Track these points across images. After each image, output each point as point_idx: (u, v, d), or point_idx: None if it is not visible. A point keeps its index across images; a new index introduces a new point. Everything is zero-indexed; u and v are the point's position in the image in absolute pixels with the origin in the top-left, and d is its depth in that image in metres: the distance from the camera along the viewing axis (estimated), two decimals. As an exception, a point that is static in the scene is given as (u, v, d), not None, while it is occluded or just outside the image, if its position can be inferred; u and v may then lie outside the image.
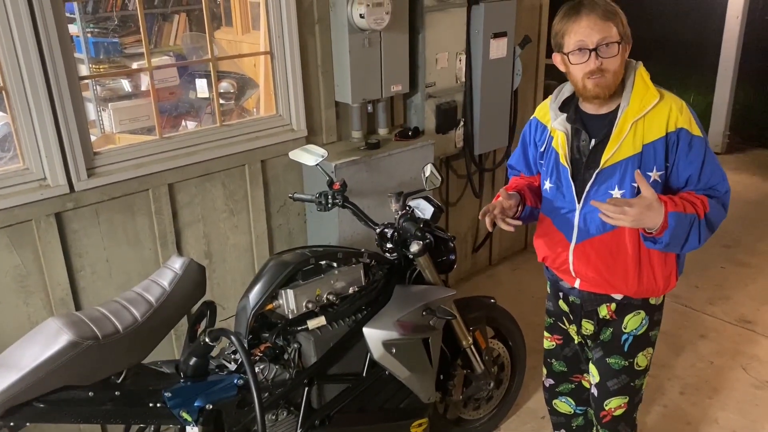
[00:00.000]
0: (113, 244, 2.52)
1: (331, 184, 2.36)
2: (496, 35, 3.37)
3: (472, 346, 2.52)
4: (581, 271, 1.92)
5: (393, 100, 3.29)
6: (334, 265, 2.13)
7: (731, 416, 2.86)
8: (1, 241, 2.25)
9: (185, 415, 1.80)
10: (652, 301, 1.95)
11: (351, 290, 2.15)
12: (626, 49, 1.76)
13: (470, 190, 3.81)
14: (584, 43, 1.70)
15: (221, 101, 4.05)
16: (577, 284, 1.96)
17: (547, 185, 1.94)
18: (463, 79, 3.40)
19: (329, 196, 2.33)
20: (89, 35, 4.35)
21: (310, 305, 2.05)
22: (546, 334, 2.22)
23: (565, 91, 1.93)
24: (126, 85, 4.32)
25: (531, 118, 2.07)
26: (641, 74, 1.79)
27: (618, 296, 1.93)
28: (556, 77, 5.59)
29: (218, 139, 2.72)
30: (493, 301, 2.67)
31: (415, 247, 2.19)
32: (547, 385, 2.28)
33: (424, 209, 2.34)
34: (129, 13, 4.54)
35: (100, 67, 4.29)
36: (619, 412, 2.04)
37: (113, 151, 2.48)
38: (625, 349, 1.98)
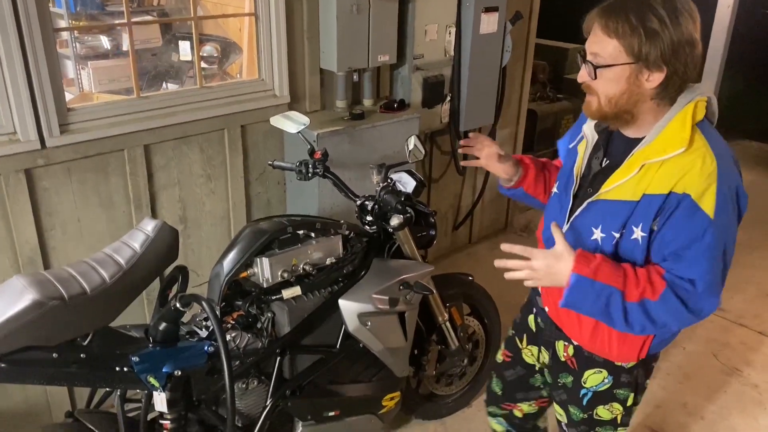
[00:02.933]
0: (85, 204, 2.45)
1: (312, 152, 2.31)
2: (488, 9, 3.30)
3: (447, 323, 2.51)
4: (547, 296, 1.71)
5: (379, 71, 3.23)
6: (312, 235, 2.09)
7: (700, 401, 2.89)
8: (-33, 196, 2.18)
9: (153, 381, 1.76)
10: (618, 363, 1.64)
11: (328, 261, 2.11)
12: (644, 75, 1.37)
13: (454, 167, 3.77)
14: (586, 49, 1.43)
15: (204, 65, 3.95)
16: (547, 307, 1.74)
17: (554, 189, 1.70)
18: (452, 53, 3.34)
19: (310, 165, 2.28)
20: (69, -9, 4.21)
21: (285, 275, 2.01)
22: (502, 345, 2.03)
23: None
24: (106, 43, 4.20)
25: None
26: (687, 112, 1.40)
27: (575, 342, 1.68)
28: (545, 57, 5.52)
29: (198, 101, 2.64)
30: (471, 278, 2.66)
31: (395, 221, 2.16)
32: (485, 399, 2.09)
33: (406, 183, 2.30)
34: (112, -32, 4.39)
35: (80, 22, 4.16)
36: None
37: (88, 108, 2.40)
38: (584, 403, 1.72)
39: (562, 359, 1.72)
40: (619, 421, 1.72)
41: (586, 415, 1.72)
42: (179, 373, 1.80)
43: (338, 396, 2.17)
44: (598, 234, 1.49)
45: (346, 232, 2.17)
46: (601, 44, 1.38)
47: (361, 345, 2.15)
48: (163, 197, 2.65)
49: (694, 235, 1.36)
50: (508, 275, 1.44)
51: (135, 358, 1.74)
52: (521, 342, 1.89)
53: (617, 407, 1.70)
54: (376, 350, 2.18)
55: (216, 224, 2.86)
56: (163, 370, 1.78)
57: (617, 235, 1.46)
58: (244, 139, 2.81)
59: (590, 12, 1.43)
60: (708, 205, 1.35)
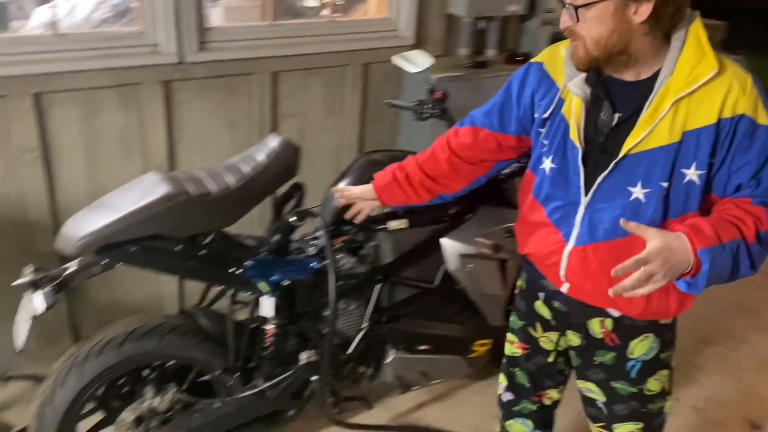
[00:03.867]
0: (213, 122, 2.59)
1: (432, 91, 2.31)
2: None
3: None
4: (575, 278, 1.49)
5: (507, 21, 3.16)
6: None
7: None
8: (111, 101, 2.35)
9: (263, 286, 1.86)
10: (663, 321, 1.54)
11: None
12: (632, 10, 1.25)
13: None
14: None
15: (326, 12, 4.00)
16: (564, 289, 1.53)
17: (547, 165, 1.48)
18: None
19: (428, 105, 2.28)
20: None
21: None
22: (510, 337, 1.79)
23: None
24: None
25: (531, 62, 1.57)
26: (696, 32, 1.30)
27: (615, 313, 1.52)
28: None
29: (326, 34, 2.70)
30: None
31: (506, 169, 2.13)
32: (505, 400, 1.84)
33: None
34: None
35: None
36: None
37: (226, 29, 2.51)
38: (633, 375, 1.57)
39: (599, 337, 1.56)
40: (666, 389, 1.63)
41: (636, 389, 1.58)
42: (287, 283, 1.90)
43: (431, 331, 2.20)
44: (638, 192, 1.35)
45: (458, 174, 2.16)
46: None
47: (458, 286, 2.17)
48: (284, 125, 2.75)
49: (764, 153, 1.29)
50: (629, 294, 1.25)
51: (249, 263, 1.85)
52: (535, 330, 1.70)
53: (664, 374, 1.60)
54: (473, 294, 2.18)
55: (327, 159, 2.94)
56: (273, 278, 1.87)
57: (666, 185, 1.32)
58: (365, 78, 2.86)
59: None
60: (763, 116, 1.28)
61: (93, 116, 2.35)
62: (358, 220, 1.89)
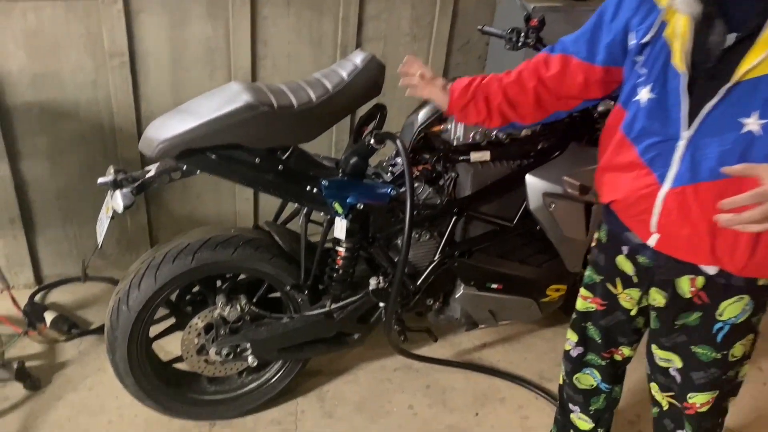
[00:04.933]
0: (297, 40, 2.53)
1: (528, 19, 2.16)
2: None
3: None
4: (670, 226, 1.33)
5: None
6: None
7: None
8: (199, 10, 2.32)
9: (337, 207, 1.83)
10: (762, 281, 1.36)
11: (523, 133, 2.02)
12: None
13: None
14: None
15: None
16: (652, 241, 1.38)
17: (644, 95, 1.31)
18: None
19: (522, 34, 2.14)
20: None
21: (477, 137, 1.97)
22: (584, 292, 1.67)
23: None
24: None
25: None
26: None
27: (711, 269, 1.36)
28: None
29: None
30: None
31: (601, 107, 2.00)
32: (574, 354, 1.74)
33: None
34: None
35: None
36: (705, 408, 1.53)
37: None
38: (719, 339, 1.43)
39: (687, 296, 1.42)
40: (748, 353, 1.49)
41: (720, 355, 1.44)
42: (361, 206, 1.86)
43: (504, 271, 2.13)
44: (752, 123, 1.18)
45: (548, 108, 2.04)
46: None
47: (538, 227, 2.07)
48: (368, 48, 2.66)
49: None
50: (741, 228, 1.11)
51: (325, 182, 1.81)
52: (615, 287, 1.57)
53: (750, 338, 1.46)
54: (553, 236, 2.08)
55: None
56: (348, 200, 1.83)
57: None
58: (456, 3, 2.71)
59: None
60: None
61: (180, 25, 2.33)
62: (409, 92, 1.70)
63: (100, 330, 2.26)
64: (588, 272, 1.66)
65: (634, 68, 1.35)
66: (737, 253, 1.29)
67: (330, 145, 2.77)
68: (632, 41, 1.35)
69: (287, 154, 1.80)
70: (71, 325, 2.31)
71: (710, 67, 1.22)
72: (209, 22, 2.35)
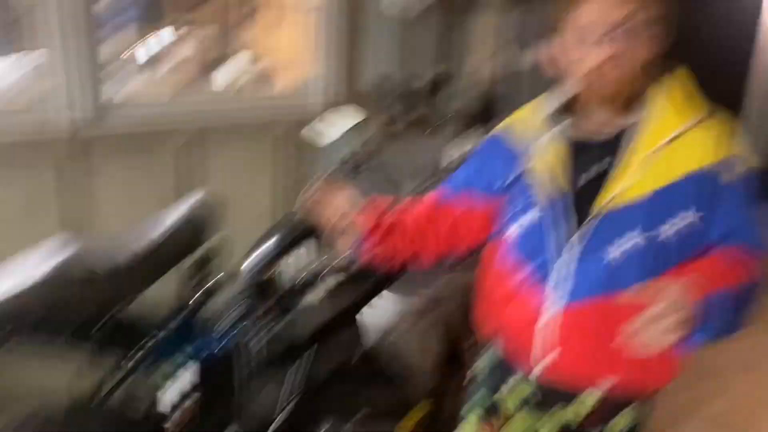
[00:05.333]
0: (130, 189, 2.46)
1: (356, 152, 2.24)
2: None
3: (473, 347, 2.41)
4: (557, 349, 1.36)
5: (435, 85, 3.19)
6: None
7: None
8: (17, 171, 2.20)
9: (171, 365, 1.72)
10: (649, 389, 1.44)
11: (355, 268, 2.05)
12: (655, 40, 1.26)
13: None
14: (591, 24, 1.25)
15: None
16: (542, 367, 1.39)
17: (517, 229, 1.40)
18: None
19: (354, 164, 2.19)
20: None
21: (310, 276, 1.97)
22: (468, 429, 1.63)
23: (555, 99, 1.42)
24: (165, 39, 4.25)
25: (495, 131, 1.52)
26: (679, 80, 1.33)
27: (603, 386, 1.39)
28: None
29: (249, 98, 2.71)
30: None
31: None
32: None
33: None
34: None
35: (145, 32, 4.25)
36: None
37: (133, 101, 2.46)
38: None
39: (582, 416, 1.44)
40: None
41: None
42: (196, 359, 1.76)
43: (359, 403, 2.08)
44: (615, 250, 1.29)
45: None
46: (621, 8, 1.23)
47: (387, 355, 2.07)
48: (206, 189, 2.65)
49: (743, 201, 1.29)
50: (654, 345, 1.11)
51: (155, 341, 1.70)
52: (498, 419, 1.55)
53: None
54: (403, 361, 2.09)
55: (253, 225, 2.81)
56: (183, 356, 1.73)
57: (645, 241, 1.27)
58: (288, 141, 2.80)
59: None
60: (740, 166, 1.28)
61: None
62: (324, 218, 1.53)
63: None
64: (470, 408, 1.63)
65: (507, 202, 1.44)
66: (626, 367, 1.35)
67: (172, 289, 2.64)
68: (504, 179, 1.45)
69: (111, 314, 1.67)
70: None
71: (577, 199, 1.33)
72: (32, 179, 2.23)
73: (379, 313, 2.04)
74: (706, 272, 1.23)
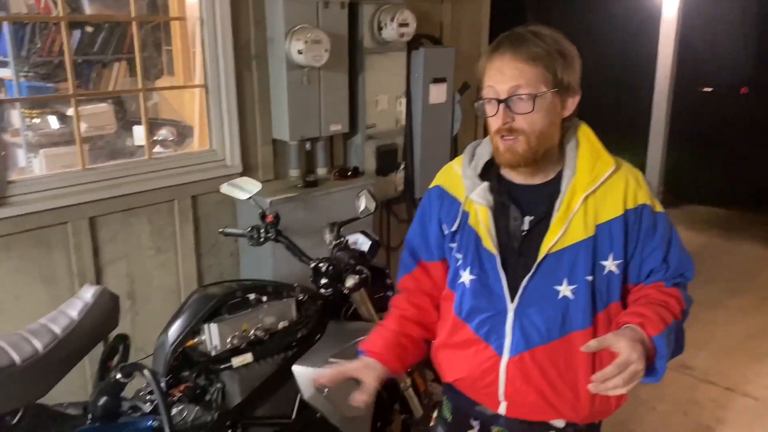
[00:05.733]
0: (25, 280, 2.34)
1: (263, 216, 2.26)
2: (436, 80, 3.40)
3: (410, 389, 2.40)
4: (515, 393, 1.40)
5: (333, 140, 3.25)
6: (264, 299, 2.01)
7: (675, 462, 2.80)
8: None
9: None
10: (597, 421, 1.51)
11: (281, 325, 2.02)
12: (564, 103, 1.33)
13: (411, 236, 3.76)
14: (494, 91, 1.30)
15: (160, 149, 3.94)
16: (502, 410, 1.44)
17: (466, 278, 1.43)
18: (404, 123, 3.40)
19: (262, 230, 2.22)
20: (23, 79, 4.21)
21: (235, 341, 1.92)
22: None
23: (484, 152, 1.46)
24: (55, 123, 4.15)
25: (431, 187, 1.56)
26: (586, 135, 1.40)
27: (559, 423, 1.45)
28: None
29: (146, 172, 2.60)
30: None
31: (350, 282, 2.09)
32: None
33: (361, 244, 2.25)
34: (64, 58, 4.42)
35: (33, 112, 4.14)
36: None
37: (29, 180, 2.34)
38: None
39: None
40: None
41: None
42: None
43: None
44: (565, 289, 1.36)
45: (300, 296, 2.10)
46: (524, 74, 1.27)
47: (318, 414, 2.03)
48: (109, 271, 2.55)
49: (667, 237, 1.39)
50: (616, 392, 1.20)
51: (74, 434, 1.61)
52: None
53: None
54: (335, 420, 2.05)
55: (166, 298, 2.75)
56: (104, 448, 1.64)
57: (591, 278, 1.35)
58: (195, 210, 2.76)
59: (491, 49, 1.33)
60: (658, 205, 1.39)
61: None
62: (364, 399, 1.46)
63: None
64: None
65: (452, 254, 1.48)
66: (579, 405, 1.40)
67: (85, 380, 2.51)
68: (446, 231, 1.49)
69: (18, 417, 1.57)
70: None
71: (517, 247, 1.39)
72: None
73: (312, 364, 2.00)
74: (653, 306, 1.32)
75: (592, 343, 1.24)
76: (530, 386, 1.39)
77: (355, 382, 2.06)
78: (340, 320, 2.21)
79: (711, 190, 6.64)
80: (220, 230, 2.35)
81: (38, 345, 1.59)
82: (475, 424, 1.53)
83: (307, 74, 2.84)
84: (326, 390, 2.01)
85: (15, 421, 1.57)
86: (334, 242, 2.15)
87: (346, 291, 2.15)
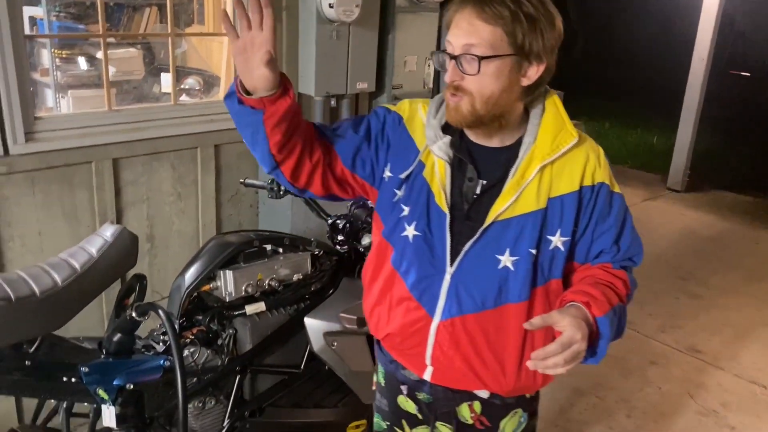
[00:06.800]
0: (48, 216, 2.38)
1: None
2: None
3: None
4: (442, 358, 1.38)
5: (358, 98, 3.23)
6: (280, 250, 2.03)
7: (676, 442, 2.81)
8: None
9: (102, 393, 1.65)
10: (529, 395, 1.50)
11: (295, 278, 2.04)
12: (524, 70, 1.24)
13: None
14: (451, 45, 1.24)
15: (186, 98, 3.95)
16: (427, 375, 1.42)
17: (410, 232, 1.36)
18: (431, 85, 3.37)
19: None
20: (54, 18, 4.22)
21: (249, 289, 1.95)
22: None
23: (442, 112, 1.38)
24: (83, 64, 4.17)
25: (392, 110, 1.43)
26: (554, 104, 1.34)
27: (483, 393, 1.45)
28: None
29: (171, 118, 2.61)
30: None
31: (366, 240, 2.11)
32: None
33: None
34: None
35: (63, 52, 4.16)
36: None
37: (56, 117, 2.37)
38: None
39: (470, 422, 1.48)
40: None
41: None
42: (131, 387, 1.70)
43: (300, 420, 2.07)
44: (506, 260, 1.30)
45: (316, 250, 2.11)
46: (479, 33, 1.20)
47: (326, 367, 2.07)
48: (130, 213, 2.58)
49: (620, 219, 1.36)
50: (556, 371, 1.19)
51: (84, 369, 1.64)
52: (402, 429, 1.57)
53: None
54: (342, 373, 2.08)
55: (185, 244, 2.78)
56: (114, 382, 1.67)
57: (534, 252, 1.30)
58: (217, 159, 2.77)
59: (459, 1, 1.24)
60: (616, 185, 1.36)
61: None
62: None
63: None
64: (375, 419, 1.65)
65: (394, 201, 1.38)
66: (504, 379, 1.37)
67: (102, 317, 2.57)
68: (388, 173, 1.39)
69: (35, 345, 1.62)
70: None
71: (466, 210, 1.33)
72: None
73: (323, 317, 2.02)
74: (600, 287, 1.30)
75: (536, 321, 1.21)
76: (457, 352, 1.35)
77: (364, 342, 2.10)
78: (353, 278, 2.22)
79: (738, 176, 6.53)
80: (241, 180, 2.36)
81: (57, 278, 1.62)
82: (404, 388, 1.52)
83: (336, 29, 2.81)
84: (335, 344, 2.04)
85: (32, 349, 1.61)
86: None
87: (361, 249, 2.16)
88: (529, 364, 1.20)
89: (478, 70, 1.20)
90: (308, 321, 2.01)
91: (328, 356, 2.03)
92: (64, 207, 2.41)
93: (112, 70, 3.58)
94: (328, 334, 2.02)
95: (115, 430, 1.70)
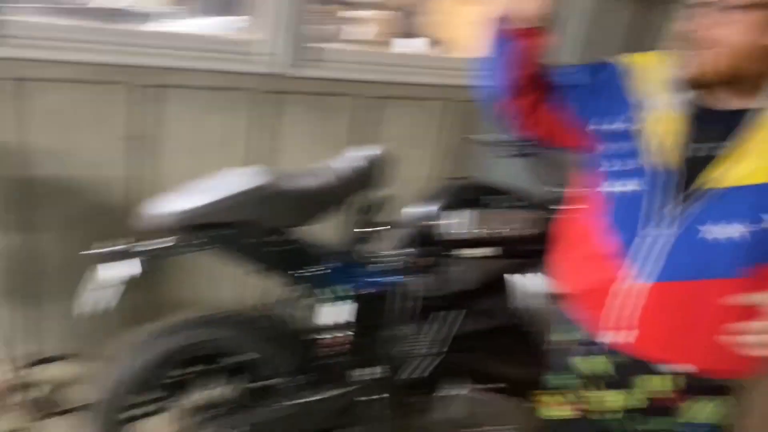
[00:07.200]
0: (308, 137, 2.65)
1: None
2: None
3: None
4: (644, 323, 1.30)
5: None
6: (516, 204, 2.06)
7: None
8: (221, 102, 2.45)
9: (335, 291, 1.85)
10: (731, 382, 1.37)
11: (528, 233, 2.06)
12: None
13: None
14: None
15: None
16: (626, 339, 1.33)
17: (622, 188, 1.31)
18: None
19: (515, 143, 2.19)
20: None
21: (483, 233, 2.01)
22: (552, 399, 1.59)
23: (682, 67, 1.29)
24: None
25: (614, 63, 1.41)
26: None
27: (684, 368, 1.33)
28: None
29: (429, 67, 2.77)
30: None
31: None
32: None
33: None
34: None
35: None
36: None
37: (332, 50, 2.61)
38: None
39: (658, 397, 1.38)
40: None
41: None
42: (360, 292, 1.88)
43: (503, 371, 2.09)
44: (720, 231, 1.21)
45: (549, 215, 2.10)
46: None
47: (530, 323, 2.07)
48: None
49: None
50: (746, 351, 1.12)
51: (337, 264, 1.86)
52: (587, 390, 1.50)
53: None
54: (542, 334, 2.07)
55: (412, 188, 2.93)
56: (347, 284, 1.87)
57: (752, 227, 1.19)
58: (461, 114, 2.87)
59: None
60: None
61: (201, 115, 2.45)
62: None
63: (83, 408, 2.17)
64: (553, 377, 1.60)
65: (606, 154, 1.37)
66: (710, 353, 1.29)
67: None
68: (603, 124, 1.38)
69: (288, 234, 1.83)
70: (50, 403, 2.24)
71: (688, 172, 1.26)
72: (228, 114, 2.48)
73: (530, 280, 2.04)
74: None
75: (741, 298, 1.15)
76: (661, 320, 1.28)
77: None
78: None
79: None
80: (464, 136, 2.38)
81: (324, 180, 1.82)
82: (595, 348, 1.42)
83: None
84: (538, 307, 2.02)
85: (293, 237, 1.82)
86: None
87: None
88: (724, 337, 1.13)
89: (730, 21, 1.16)
90: (534, 276, 2.03)
91: (532, 316, 2.04)
92: (322, 132, 2.67)
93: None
94: (535, 293, 2.02)
95: (335, 326, 1.86)
